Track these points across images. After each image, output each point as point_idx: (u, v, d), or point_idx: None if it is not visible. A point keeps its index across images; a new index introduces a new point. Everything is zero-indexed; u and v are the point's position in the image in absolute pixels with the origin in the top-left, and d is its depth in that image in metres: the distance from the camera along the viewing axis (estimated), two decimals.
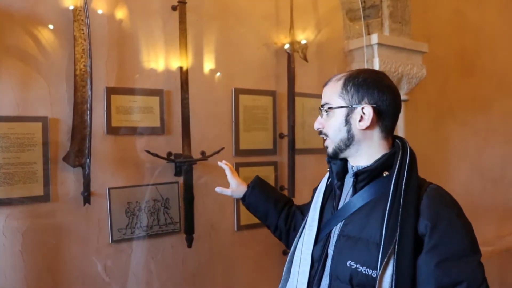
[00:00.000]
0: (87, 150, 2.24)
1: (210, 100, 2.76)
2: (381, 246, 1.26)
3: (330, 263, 1.41)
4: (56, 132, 2.26)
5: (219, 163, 2.06)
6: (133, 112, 2.47)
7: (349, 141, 1.43)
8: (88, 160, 2.25)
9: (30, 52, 2.20)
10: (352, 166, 1.47)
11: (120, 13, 2.47)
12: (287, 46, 3.06)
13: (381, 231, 1.28)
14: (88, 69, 2.24)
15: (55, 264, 2.26)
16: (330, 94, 1.46)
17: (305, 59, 3.11)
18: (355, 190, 1.44)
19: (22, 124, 2.16)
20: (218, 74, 2.82)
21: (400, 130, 3.63)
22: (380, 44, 3.40)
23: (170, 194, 2.57)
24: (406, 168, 1.35)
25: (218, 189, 2.02)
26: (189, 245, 2.56)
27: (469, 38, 4.41)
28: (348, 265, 1.34)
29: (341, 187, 1.51)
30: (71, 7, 2.26)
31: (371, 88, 1.40)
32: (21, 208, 2.17)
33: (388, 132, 1.44)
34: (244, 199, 1.96)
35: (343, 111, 1.42)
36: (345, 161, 1.52)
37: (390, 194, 1.31)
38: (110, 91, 2.41)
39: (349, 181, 1.49)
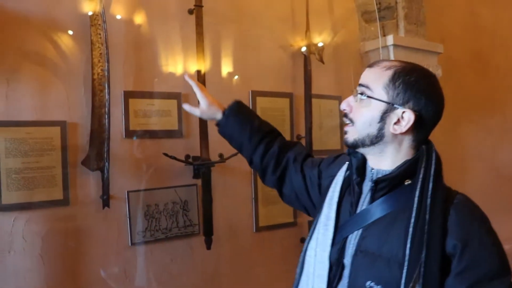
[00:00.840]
0: (105, 153, 2.17)
1: (227, 102, 2.64)
2: (405, 267, 1.09)
3: (347, 278, 1.22)
4: (74, 136, 2.19)
5: (185, 76, 1.70)
6: (151, 115, 2.40)
7: (377, 139, 1.20)
8: (107, 163, 2.17)
9: (48, 57, 2.14)
10: (372, 169, 1.25)
11: (137, 18, 2.40)
12: (303, 48, 2.95)
13: (404, 249, 1.10)
14: (106, 73, 2.17)
15: (75, 267, 2.19)
16: (374, 80, 1.20)
17: (322, 61, 3.00)
18: (373, 199, 1.23)
19: (41, 129, 2.10)
20: (236, 77, 2.73)
21: None
22: (395, 45, 3.28)
23: (189, 196, 2.48)
24: (431, 177, 1.15)
25: (186, 106, 1.70)
26: (208, 247, 2.47)
27: (484, 39, 4.27)
28: (368, 286, 1.16)
29: (360, 184, 1.27)
30: (89, 13, 2.19)
31: (420, 92, 1.17)
32: (41, 212, 2.11)
33: (420, 142, 1.22)
34: (218, 126, 1.65)
35: (382, 106, 1.18)
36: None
37: (415, 208, 1.12)
38: (128, 95, 2.33)
39: (367, 183, 1.28)
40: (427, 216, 1.10)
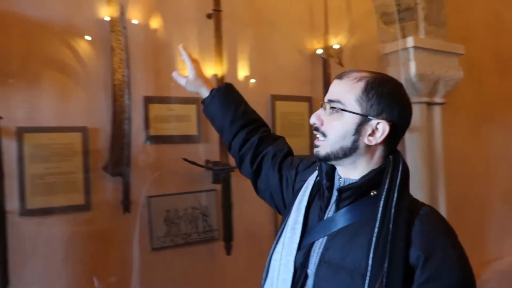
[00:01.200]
0: (126, 159, 2.17)
1: None
2: (367, 278, 1.06)
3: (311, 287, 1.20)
4: (95, 142, 2.20)
5: (180, 47, 1.67)
6: (170, 120, 2.39)
7: (350, 152, 1.17)
8: (127, 169, 2.17)
9: (69, 64, 2.15)
10: (340, 177, 1.22)
11: (156, 23, 2.40)
12: (321, 51, 2.92)
13: (367, 260, 1.07)
14: (126, 79, 2.17)
15: (97, 272, 2.18)
16: (346, 93, 1.16)
17: (341, 64, 2.95)
18: (338, 207, 1.20)
19: (63, 135, 2.11)
20: (254, 81, 2.71)
21: (437, 133, 3.43)
22: (415, 47, 3.22)
23: (208, 201, 2.47)
24: (396, 188, 1.12)
25: (175, 73, 1.67)
26: (228, 253, 2.46)
27: (506, 39, 4.16)
28: None
29: (330, 189, 1.24)
30: (108, 18, 2.19)
31: (394, 103, 1.15)
32: (63, 216, 2.12)
33: (391, 151, 1.20)
34: (203, 103, 1.62)
35: (356, 119, 1.15)
36: None
37: (378, 218, 1.09)
38: (148, 100, 2.33)
39: (335, 192, 1.24)
40: (390, 227, 1.07)
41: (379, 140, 1.15)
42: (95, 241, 2.18)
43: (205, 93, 1.60)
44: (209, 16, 2.49)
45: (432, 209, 1.15)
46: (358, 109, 1.14)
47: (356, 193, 1.17)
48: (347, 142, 1.16)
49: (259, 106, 2.67)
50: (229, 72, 2.59)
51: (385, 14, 3.33)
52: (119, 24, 2.17)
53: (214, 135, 2.48)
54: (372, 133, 1.15)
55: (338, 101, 1.17)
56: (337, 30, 3.05)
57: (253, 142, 1.53)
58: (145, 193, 2.30)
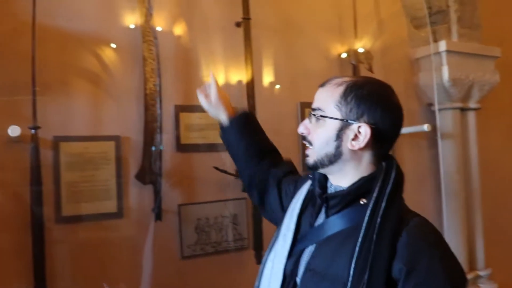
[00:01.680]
0: (158, 167, 2.19)
1: (276, 114, 2.64)
2: None
3: None
4: (127, 150, 2.22)
5: (210, 74, 1.65)
6: (201, 129, 2.40)
7: (335, 158, 1.15)
8: (159, 177, 2.19)
9: (102, 74, 2.19)
10: (331, 185, 1.21)
11: (185, 32, 2.41)
12: (351, 57, 2.88)
13: (348, 270, 1.03)
14: (158, 88, 2.20)
15: (128, 279, 2.19)
16: (325, 100, 1.16)
17: (371, 70, 2.91)
18: (327, 215, 1.18)
19: (97, 143, 2.15)
20: (282, 87, 2.70)
21: (471, 140, 3.32)
22: (448, 51, 3.13)
23: (238, 210, 2.46)
24: (385, 196, 1.08)
25: (198, 90, 1.63)
26: (258, 261, 2.43)
27: None
28: None
29: (322, 196, 1.21)
30: (139, 29, 2.23)
31: (375, 104, 1.11)
32: (97, 224, 2.14)
33: (380, 156, 1.16)
34: (221, 129, 1.60)
35: (336, 124, 1.13)
36: None
37: (363, 227, 1.05)
38: (179, 109, 2.35)
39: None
40: (374, 236, 1.03)
41: (362, 145, 1.12)
42: (127, 248, 2.20)
43: (224, 118, 1.59)
44: (238, 24, 2.49)
45: (423, 220, 1.10)
46: (337, 114, 1.13)
47: (343, 201, 1.14)
48: (330, 148, 1.14)
49: (288, 113, 2.68)
50: (259, 80, 2.58)
51: (415, 18, 3.26)
52: (151, 34, 2.20)
53: None
54: (355, 138, 1.12)
55: (319, 109, 1.16)
56: (367, 36, 3.00)
57: (262, 167, 1.53)
58: (176, 201, 2.32)
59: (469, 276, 3.24)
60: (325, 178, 1.24)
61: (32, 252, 1.91)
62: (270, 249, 1.30)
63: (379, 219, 1.05)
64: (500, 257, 3.47)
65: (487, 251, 3.36)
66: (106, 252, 2.15)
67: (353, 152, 1.14)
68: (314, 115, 1.17)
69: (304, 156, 1.23)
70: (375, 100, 1.12)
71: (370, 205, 1.08)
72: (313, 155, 1.18)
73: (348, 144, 1.13)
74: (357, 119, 1.12)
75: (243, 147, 1.55)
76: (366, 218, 1.07)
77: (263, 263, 1.30)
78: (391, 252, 1.02)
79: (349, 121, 1.12)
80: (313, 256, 1.16)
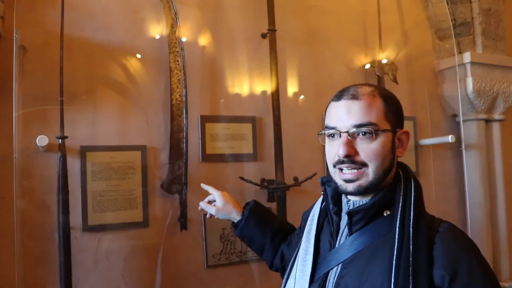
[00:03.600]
0: (183, 177, 2.05)
1: (301, 125, 2.48)
2: None
3: None
4: (154, 160, 2.10)
5: (202, 185, 1.61)
6: (226, 139, 2.26)
7: (390, 170, 1.03)
8: (184, 187, 2.05)
9: (129, 84, 2.08)
10: (348, 201, 1.07)
11: (211, 43, 2.29)
12: (375, 68, 2.69)
13: (388, 285, 0.92)
14: (184, 99, 2.07)
15: (152, 287, 2.06)
16: (373, 113, 1.01)
17: (395, 81, 2.72)
18: (351, 232, 1.05)
19: (123, 153, 2.03)
20: (307, 98, 2.53)
21: (496, 151, 3.09)
22: (473, 63, 2.92)
23: None
24: (412, 206, 0.99)
25: (202, 204, 1.55)
26: None
27: None
28: None
29: (338, 213, 1.09)
30: (166, 40, 2.10)
31: (402, 110, 1.09)
32: (123, 233, 2.03)
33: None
34: (236, 227, 1.48)
35: (390, 136, 1.02)
36: None
37: (396, 240, 0.95)
38: (204, 119, 2.21)
39: (345, 216, 1.08)
40: (410, 247, 0.94)
41: (406, 150, 1.08)
42: (152, 257, 2.07)
43: (236, 217, 1.47)
44: (263, 35, 2.35)
45: (451, 225, 1.03)
46: (387, 125, 1.03)
47: (368, 214, 1.01)
48: (388, 162, 1.02)
49: (313, 124, 2.51)
50: (284, 91, 2.43)
51: (440, 30, 3.06)
52: (177, 45, 2.07)
53: (270, 153, 2.32)
54: (400, 145, 1.06)
55: (371, 123, 0.99)
56: (391, 47, 2.82)
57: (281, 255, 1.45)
58: (202, 211, 2.17)
59: None
60: (338, 195, 1.10)
61: (58, 260, 1.79)
62: (288, 276, 1.15)
63: (411, 229, 0.96)
64: None
65: None
66: (132, 261, 2.03)
67: (395, 160, 1.06)
68: (366, 131, 1.00)
69: (341, 179, 1.03)
70: (400, 105, 1.09)
71: (398, 216, 0.98)
72: (370, 175, 1.01)
73: (397, 152, 1.05)
74: (399, 126, 1.06)
75: (269, 236, 1.46)
76: (397, 230, 0.97)
77: None
78: (429, 261, 0.94)
79: (397, 130, 1.05)
80: (340, 276, 1.02)
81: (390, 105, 1.04)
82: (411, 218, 0.97)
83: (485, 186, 3.02)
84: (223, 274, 2.21)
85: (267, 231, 1.45)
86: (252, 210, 1.46)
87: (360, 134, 1.00)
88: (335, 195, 1.10)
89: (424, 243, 0.95)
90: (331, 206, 1.10)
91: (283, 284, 1.17)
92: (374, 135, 1.00)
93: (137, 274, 2.03)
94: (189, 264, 2.14)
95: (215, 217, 1.52)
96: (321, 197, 1.21)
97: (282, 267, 1.43)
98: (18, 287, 1.79)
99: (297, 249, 1.18)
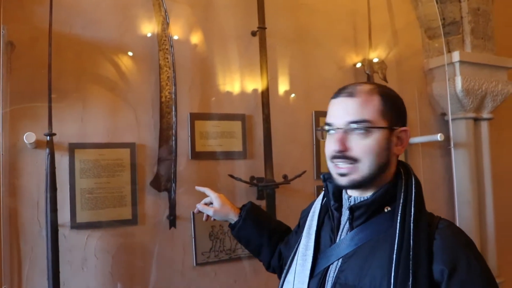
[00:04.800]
0: (172, 175, 2.06)
1: (291, 123, 2.50)
2: None
3: None
4: (143, 158, 2.10)
5: (196, 187, 1.66)
6: (216, 137, 2.27)
7: (386, 167, 1.06)
8: (173, 184, 2.06)
9: (118, 81, 2.08)
10: (349, 196, 1.10)
11: (201, 41, 2.29)
12: (366, 67, 2.72)
13: (388, 279, 0.96)
14: (173, 96, 2.08)
15: (142, 286, 2.07)
16: (368, 110, 1.04)
17: (385, 79, 2.75)
18: (352, 227, 1.08)
19: (112, 151, 2.03)
20: (297, 97, 2.55)
21: (484, 150, 3.13)
22: (462, 62, 2.96)
23: None
24: (413, 202, 1.02)
25: (199, 206, 1.58)
26: None
27: None
28: None
29: (339, 209, 1.12)
30: (156, 37, 2.12)
31: (403, 107, 1.11)
32: (111, 230, 2.03)
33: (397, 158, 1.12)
34: (233, 228, 1.52)
35: (385, 133, 1.05)
36: None
37: (397, 235, 0.99)
38: (194, 117, 2.22)
39: (346, 212, 1.11)
40: (411, 242, 0.97)
41: (405, 148, 1.10)
42: (141, 255, 2.08)
43: (233, 218, 1.51)
44: (253, 33, 2.37)
45: (450, 222, 1.07)
46: (384, 123, 1.05)
47: (369, 210, 1.05)
48: (383, 159, 1.04)
49: (303, 123, 2.53)
50: (274, 89, 2.44)
51: (429, 29, 3.09)
52: (167, 42, 2.08)
53: (259, 151, 2.33)
54: (398, 143, 1.08)
55: (365, 120, 1.03)
56: (381, 46, 2.85)
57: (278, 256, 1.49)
58: (191, 208, 2.18)
59: None
60: (339, 190, 1.13)
61: (46, 257, 1.78)
62: (287, 271, 1.18)
63: (412, 225, 0.99)
64: None
65: (500, 260, 3.17)
66: (120, 258, 2.03)
67: (394, 157, 1.08)
68: (361, 128, 1.03)
69: (336, 173, 1.07)
70: (402, 103, 1.11)
71: (399, 212, 1.01)
72: (361, 170, 1.04)
73: (394, 150, 1.07)
74: (398, 124, 1.08)
75: (266, 236, 1.49)
76: (397, 225, 1.00)
77: (280, 285, 1.19)
78: (429, 256, 0.97)
79: (394, 128, 1.07)
80: (341, 271, 1.05)
81: (389, 103, 1.06)
82: (412, 214, 1.00)
83: (474, 184, 3.07)
84: (212, 272, 2.23)
85: (264, 231, 1.48)
86: (249, 211, 1.50)
87: (355, 130, 1.03)
88: (336, 191, 1.13)
89: (424, 239, 0.98)
90: (332, 202, 1.13)
91: (282, 278, 1.20)
92: (368, 131, 1.03)
93: (126, 271, 2.04)
94: (178, 262, 2.15)
95: (212, 219, 1.54)
96: (322, 193, 1.25)
97: (280, 266, 1.46)
98: (5, 285, 1.79)
99: (297, 245, 1.20)
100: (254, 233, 1.49)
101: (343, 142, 1.04)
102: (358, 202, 1.07)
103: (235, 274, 2.28)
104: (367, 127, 1.03)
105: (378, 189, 1.06)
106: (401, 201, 1.02)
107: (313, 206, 1.26)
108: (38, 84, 1.84)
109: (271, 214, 1.56)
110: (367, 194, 1.07)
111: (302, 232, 1.23)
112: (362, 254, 1.03)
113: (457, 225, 2.89)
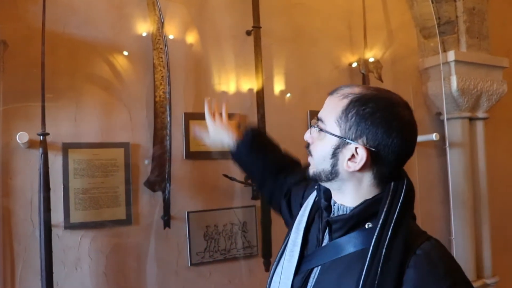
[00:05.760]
0: (167, 175, 2.06)
1: (285, 123, 2.50)
2: None
3: None
4: (137, 157, 2.11)
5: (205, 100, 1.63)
6: None
7: (332, 176, 1.01)
8: (168, 184, 2.07)
9: (112, 81, 2.08)
10: (335, 202, 1.07)
11: (196, 40, 2.30)
12: (361, 66, 2.73)
13: None
14: (167, 96, 2.08)
15: (136, 286, 2.08)
16: (329, 111, 1.01)
17: (380, 79, 2.76)
18: (331, 238, 1.05)
19: (106, 150, 2.03)
20: (292, 96, 2.56)
21: (480, 149, 3.16)
22: (457, 61, 2.98)
23: (248, 217, 2.32)
24: (393, 223, 0.94)
25: (196, 129, 1.62)
26: (267, 269, 2.31)
27: None
28: None
29: (328, 209, 1.08)
30: (150, 36, 2.12)
31: (376, 125, 0.95)
32: (105, 231, 2.03)
33: (383, 179, 1.01)
34: (231, 151, 1.50)
35: (334, 141, 0.99)
36: None
37: (368, 258, 0.92)
38: (188, 117, 2.22)
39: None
40: (379, 270, 0.90)
41: (358, 167, 0.97)
42: (135, 255, 2.08)
43: (225, 140, 1.50)
44: (248, 33, 2.38)
45: (433, 246, 0.96)
46: (336, 130, 0.99)
47: (346, 225, 1.00)
48: (327, 166, 1.01)
49: (298, 122, 2.54)
50: (269, 88, 2.45)
51: (425, 28, 3.11)
52: (161, 41, 2.09)
53: None
54: (352, 158, 0.98)
55: (321, 120, 1.01)
56: (376, 46, 2.87)
57: (281, 189, 1.43)
58: (185, 208, 2.19)
59: (476, 284, 3.07)
60: (329, 190, 1.11)
61: (40, 257, 1.78)
62: (277, 263, 1.17)
63: (384, 250, 0.92)
64: (508, 266, 3.31)
65: (495, 259, 3.20)
66: (114, 259, 2.03)
67: (351, 173, 0.99)
68: (316, 127, 1.04)
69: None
70: (378, 120, 0.95)
71: (376, 232, 0.94)
72: (313, 166, 1.07)
73: (344, 164, 0.99)
74: (355, 139, 0.96)
75: (258, 165, 1.46)
76: (371, 247, 0.93)
77: (270, 276, 1.18)
78: (398, 284, 0.90)
79: (347, 140, 0.97)
80: (317, 280, 1.03)
81: (354, 113, 0.97)
82: (388, 237, 0.93)
83: (469, 184, 3.09)
84: (206, 272, 2.23)
85: (257, 160, 1.46)
86: (244, 138, 1.47)
87: (314, 126, 1.05)
88: (326, 190, 1.11)
89: (395, 267, 0.91)
90: (322, 201, 1.11)
91: (272, 270, 1.19)
92: (320, 132, 1.02)
93: (120, 272, 2.04)
94: (173, 262, 2.16)
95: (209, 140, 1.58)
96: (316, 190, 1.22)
97: (269, 199, 1.47)
98: None
99: (287, 239, 1.19)
100: (248, 159, 1.47)
101: (310, 133, 1.06)
102: (336, 216, 1.04)
103: (230, 274, 2.29)
104: (319, 127, 1.02)
105: (359, 204, 1.01)
106: (381, 220, 0.95)
107: (306, 201, 1.23)
108: (31, 83, 1.83)
109: (272, 143, 1.52)
110: (345, 200, 1.04)
111: (294, 222, 1.22)
112: (340, 266, 1.00)
113: (452, 225, 2.96)
